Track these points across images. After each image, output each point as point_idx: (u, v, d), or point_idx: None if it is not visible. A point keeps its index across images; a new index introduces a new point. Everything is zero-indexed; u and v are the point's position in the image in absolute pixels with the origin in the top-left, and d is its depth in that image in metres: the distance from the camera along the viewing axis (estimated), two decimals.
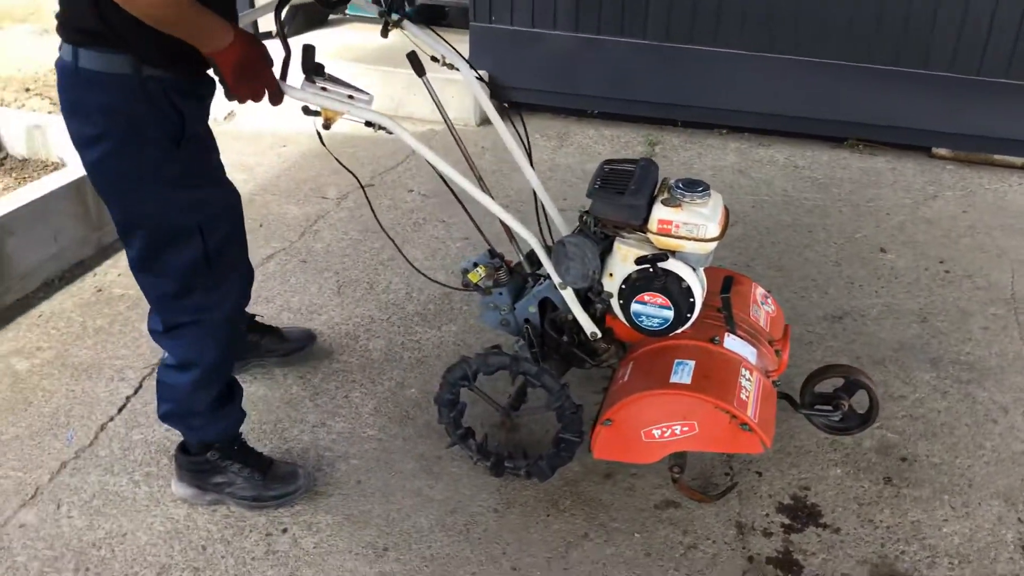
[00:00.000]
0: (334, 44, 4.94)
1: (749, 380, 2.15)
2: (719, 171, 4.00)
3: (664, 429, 2.09)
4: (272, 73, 1.89)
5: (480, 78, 2.38)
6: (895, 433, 2.48)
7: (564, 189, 3.82)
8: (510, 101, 4.51)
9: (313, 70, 2.00)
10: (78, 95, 1.80)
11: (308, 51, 1.98)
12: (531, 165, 2.35)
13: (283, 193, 3.82)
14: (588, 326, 2.25)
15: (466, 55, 2.29)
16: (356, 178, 2.37)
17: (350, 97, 2.02)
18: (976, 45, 3.80)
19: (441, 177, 2.13)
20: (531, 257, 2.32)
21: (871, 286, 3.15)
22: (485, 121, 4.45)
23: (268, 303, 3.02)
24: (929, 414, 2.55)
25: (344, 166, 2.34)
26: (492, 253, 2.38)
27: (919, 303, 3.06)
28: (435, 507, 2.26)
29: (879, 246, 3.40)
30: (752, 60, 4.07)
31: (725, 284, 2.28)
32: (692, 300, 2.10)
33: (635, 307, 2.12)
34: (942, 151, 4.08)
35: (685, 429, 2.08)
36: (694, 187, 2.09)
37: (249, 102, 1.90)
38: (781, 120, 4.21)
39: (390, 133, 2.04)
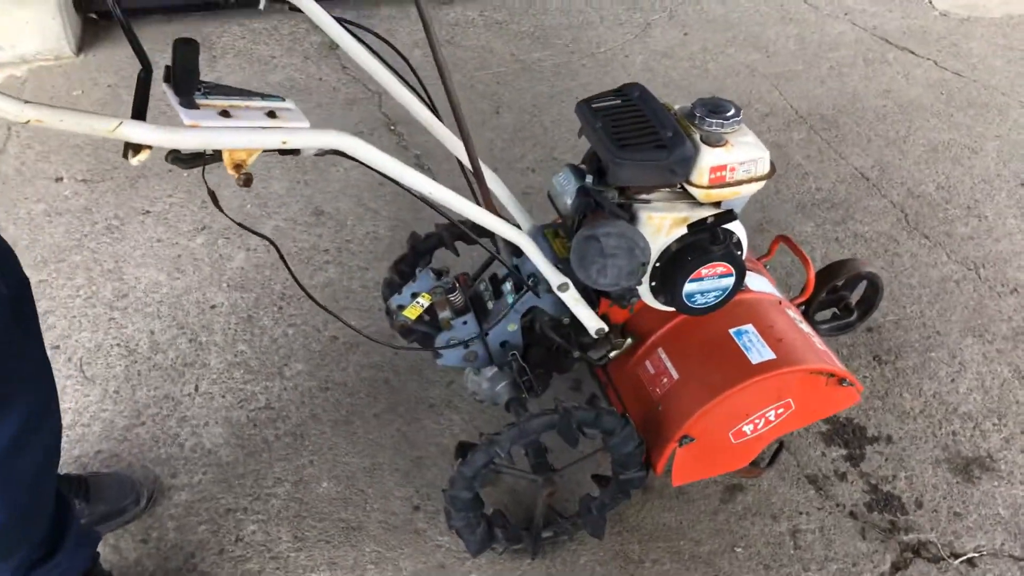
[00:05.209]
0: None
1: (800, 321, 1.76)
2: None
3: (756, 421, 1.64)
4: None
5: None
6: None
7: None
8: (99, 11, 3.30)
9: (193, 85, 1.01)
10: None
11: (184, 51, 0.98)
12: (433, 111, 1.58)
13: None
14: (594, 323, 1.64)
15: None
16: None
17: (271, 115, 1.07)
18: None
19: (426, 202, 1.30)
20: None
21: None
22: (84, 47, 3.18)
23: None
24: None
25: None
26: (437, 273, 1.60)
27: None
28: None
29: None
30: None
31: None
32: (741, 254, 1.61)
33: (689, 287, 1.56)
34: None
35: (780, 411, 1.64)
36: (722, 111, 1.53)
37: None
38: None
39: (349, 158, 1.15)
